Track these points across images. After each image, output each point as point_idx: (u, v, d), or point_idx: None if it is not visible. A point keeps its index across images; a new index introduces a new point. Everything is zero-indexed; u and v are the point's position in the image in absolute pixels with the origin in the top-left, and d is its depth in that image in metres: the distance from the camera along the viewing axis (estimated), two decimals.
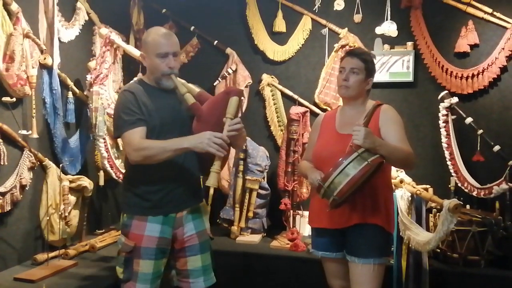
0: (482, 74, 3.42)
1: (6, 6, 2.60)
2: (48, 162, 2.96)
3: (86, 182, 3.12)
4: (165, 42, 2.03)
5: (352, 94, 2.19)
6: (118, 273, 2.09)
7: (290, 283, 3.09)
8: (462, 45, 3.48)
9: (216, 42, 4.00)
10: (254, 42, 3.94)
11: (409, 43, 3.60)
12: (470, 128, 3.38)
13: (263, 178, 3.61)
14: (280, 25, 3.89)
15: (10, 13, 2.63)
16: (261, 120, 3.97)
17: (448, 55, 3.54)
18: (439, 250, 2.98)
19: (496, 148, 3.30)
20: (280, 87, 3.90)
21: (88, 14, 3.43)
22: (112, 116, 2.14)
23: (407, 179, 3.07)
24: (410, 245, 2.77)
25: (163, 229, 2.04)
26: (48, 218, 2.86)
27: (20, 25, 2.66)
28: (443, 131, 3.41)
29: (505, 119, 3.41)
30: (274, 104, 3.91)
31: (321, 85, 3.75)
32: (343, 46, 3.66)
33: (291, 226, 3.49)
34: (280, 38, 3.92)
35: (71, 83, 3.22)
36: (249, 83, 3.90)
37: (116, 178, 3.46)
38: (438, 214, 2.76)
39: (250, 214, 3.55)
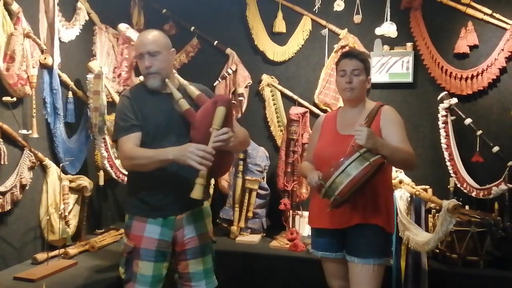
0: (481, 75, 3.43)
1: (6, 6, 2.60)
2: (48, 161, 2.96)
3: (86, 181, 3.13)
4: (140, 44, 2.04)
5: (357, 95, 2.19)
6: (120, 273, 2.11)
7: (290, 283, 3.10)
8: (462, 46, 3.48)
9: (216, 42, 4.00)
10: (254, 42, 3.94)
11: (409, 44, 3.60)
12: (469, 129, 3.38)
13: (263, 178, 3.61)
14: (280, 25, 3.89)
15: (10, 13, 2.63)
16: (260, 121, 3.97)
17: (447, 56, 3.54)
18: (438, 251, 2.98)
19: (495, 149, 3.31)
20: (280, 87, 3.91)
21: (88, 14, 3.44)
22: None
23: (407, 179, 3.07)
24: (409, 246, 2.77)
25: (162, 231, 2.04)
26: (48, 217, 2.86)
27: (21, 25, 2.66)
28: (442, 132, 3.42)
29: (504, 120, 3.41)
30: (274, 105, 3.91)
31: (321, 86, 3.76)
32: (343, 47, 3.67)
33: (291, 226, 3.49)
34: (280, 39, 3.93)
35: (71, 83, 3.23)
36: (249, 83, 3.92)
37: (116, 178, 3.47)
38: (437, 214, 2.76)
39: (250, 214, 3.55)
